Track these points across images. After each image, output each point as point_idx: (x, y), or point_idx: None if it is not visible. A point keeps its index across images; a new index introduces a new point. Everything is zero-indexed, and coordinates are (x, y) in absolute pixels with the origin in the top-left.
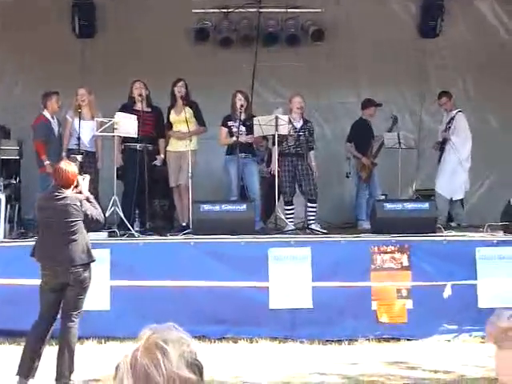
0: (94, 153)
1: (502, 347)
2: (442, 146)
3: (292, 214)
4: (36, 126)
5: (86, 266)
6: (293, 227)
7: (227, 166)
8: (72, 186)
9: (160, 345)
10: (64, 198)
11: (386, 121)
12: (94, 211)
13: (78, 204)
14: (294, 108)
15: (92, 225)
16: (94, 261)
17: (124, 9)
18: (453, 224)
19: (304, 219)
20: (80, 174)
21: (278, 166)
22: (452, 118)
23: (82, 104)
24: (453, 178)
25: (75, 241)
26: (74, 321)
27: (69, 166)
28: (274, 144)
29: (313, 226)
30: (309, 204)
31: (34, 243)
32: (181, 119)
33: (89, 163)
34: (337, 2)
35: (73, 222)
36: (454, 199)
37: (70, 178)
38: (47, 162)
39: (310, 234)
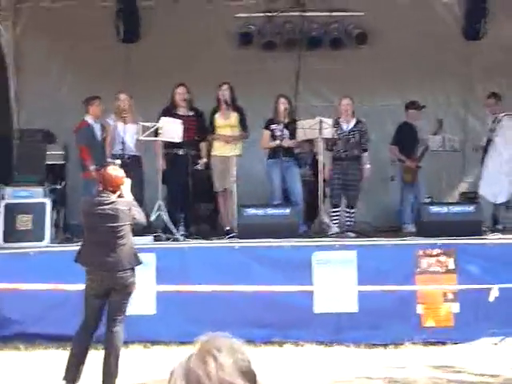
0: (139, 157)
1: None
2: (485, 147)
3: (338, 216)
4: (79, 131)
5: (133, 270)
6: (337, 230)
7: (270, 169)
8: (119, 191)
9: (213, 352)
10: (113, 202)
11: (432, 124)
12: (140, 215)
13: (127, 208)
14: (343, 110)
15: (136, 228)
16: (141, 263)
17: (168, 14)
18: (499, 227)
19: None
20: None
21: (329, 170)
22: (498, 120)
23: (125, 108)
24: (495, 181)
25: (123, 245)
26: (119, 325)
27: (116, 171)
28: (326, 149)
29: (348, 233)
30: (348, 209)
31: (78, 248)
32: (227, 124)
33: (134, 167)
34: (380, 5)
35: (121, 226)
36: (497, 202)
37: (118, 183)
38: (93, 167)
39: (354, 237)
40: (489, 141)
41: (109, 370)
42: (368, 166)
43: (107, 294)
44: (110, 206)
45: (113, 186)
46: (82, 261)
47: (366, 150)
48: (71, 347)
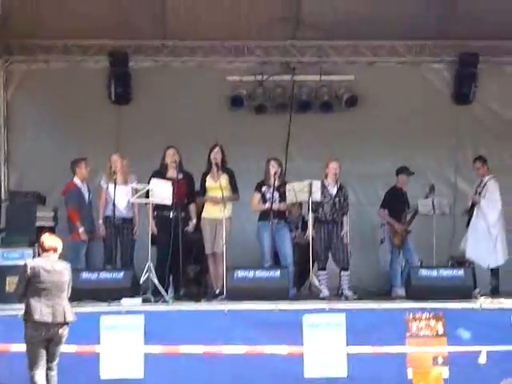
0: (131, 219)
1: None
2: (470, 210)
3: (326, 279)
4: (67, 192)
5: (68, 324)
6: (328, 293)
7: (260, 231)
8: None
9: None
10: (58, 261)
11: (422, 187)
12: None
13: (69, 267)
14: (330, 174)
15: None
16: (75, 320)
17: (159, 76)
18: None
19: (338, 286)
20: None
21: (314, 233)
22: (483, 184)
23: (116, 170)
24: (482, 245)
25: (65, 299)
26: (55, 370)
27: (51, 237)
28: (309, 211)
29: (347, 293)
30: (342, 272)
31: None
32: (217, 186)
33: (126, 229)
34: (369, 69)
35: (64, 282)
36: (490, 267)
37: (55, 247)
38: (81, 229)
39: (344, 300)
40: (473, 204)
41: None
42: (346, 228)
43: (47, 343)
44: (57, 264)
45: (52, 250)
46: (32, 317)
47: (345, 214)
48: None
